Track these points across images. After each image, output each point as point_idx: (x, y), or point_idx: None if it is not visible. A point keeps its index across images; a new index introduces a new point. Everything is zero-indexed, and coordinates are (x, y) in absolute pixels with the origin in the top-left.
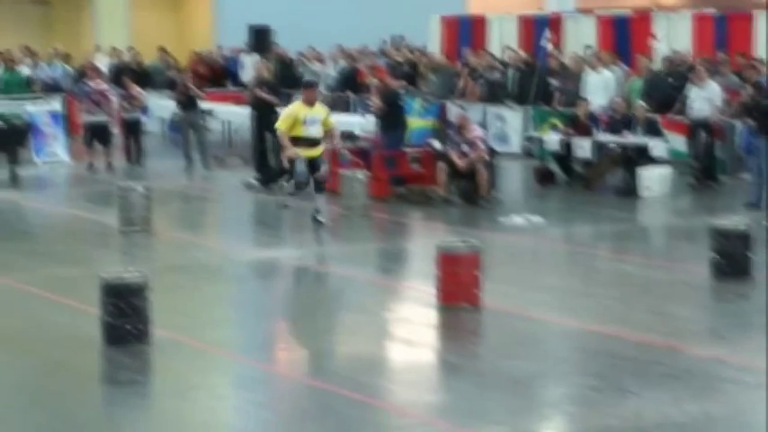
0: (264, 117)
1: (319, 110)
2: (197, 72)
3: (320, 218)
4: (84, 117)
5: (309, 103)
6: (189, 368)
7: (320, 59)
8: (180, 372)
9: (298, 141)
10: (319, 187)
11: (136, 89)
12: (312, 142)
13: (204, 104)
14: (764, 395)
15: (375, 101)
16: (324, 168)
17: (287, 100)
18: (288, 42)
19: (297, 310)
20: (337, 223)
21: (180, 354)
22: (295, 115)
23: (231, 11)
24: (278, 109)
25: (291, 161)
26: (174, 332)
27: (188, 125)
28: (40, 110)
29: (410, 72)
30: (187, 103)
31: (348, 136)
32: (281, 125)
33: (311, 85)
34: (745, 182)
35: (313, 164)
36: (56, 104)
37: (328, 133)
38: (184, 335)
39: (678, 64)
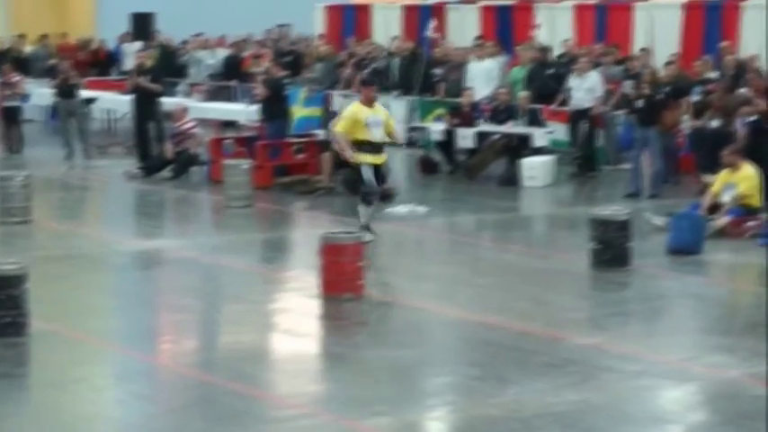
0: (146, 106)
1: (380, 110)
2: (77, 60)
3: (367, 237)
4: None
5: (369, 102)
6: (68, 360)
7: (204, 47)
8: (59, 364)
9: (361, 146)
10: (389, 200)
11: (15, 77)
12: (377, 147)
13: (86, 93)
14: (643, 383)
15: (259, 89)
16: (391, 179)
17: (170, 89)
18: (171, 30)
19: (179, 300)
20: (220, 213)
21: (59, 345)
22: (355, 117)
23: None
24: (160, 98)
25: (354, 170)
26: (54, 323)
27: (67, 113)
28: None
29: (294, 61)
30: (66, 91)
31: (232, 124)
32: (340, 128)
33: (370, 83)
34: (625, 172)
35: (378, 172)
36: None
37: (391, 136)
38: (64, 326)
39: (560, 54)
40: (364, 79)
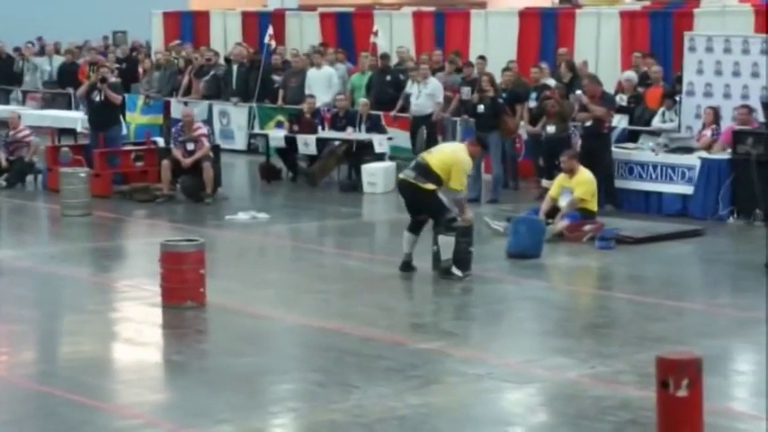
0: None
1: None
2: None
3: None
4: None
5: (474, 156)
6: None
7: (40, 54)
8: None
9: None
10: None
11: None
12: None
13: None
14: (485, 386)
15: (111, 95)
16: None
17: (4, 96)
18: (4, 36)
19: (15, 311)
20: (57, 222)
21: None
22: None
23: None
24: None
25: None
26: None
27: None
28: None
29: (131, 68)
30: None
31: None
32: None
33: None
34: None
35: None
36: None
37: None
38: None
39: (399, 61)
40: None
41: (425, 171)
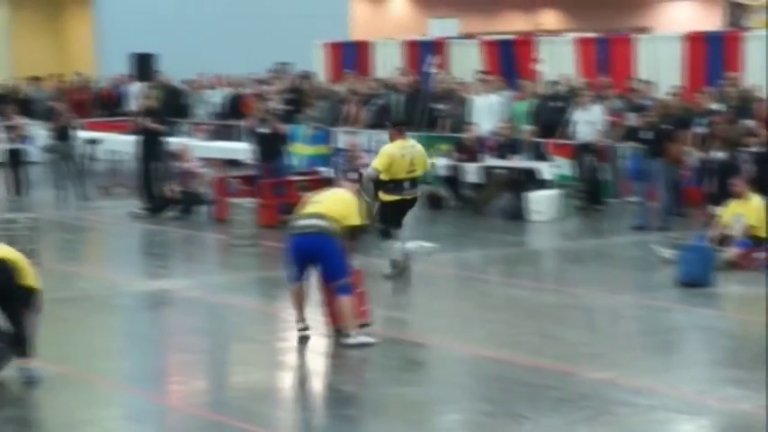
0: (150, 146)
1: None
2: (75, 100)
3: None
4: None
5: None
6: (79, 402)
7: (207, 87)
8: (69, 406)
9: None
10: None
11: (17, 119)
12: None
13: (89, 133)
14: (657, 417)
15: (280, 126)
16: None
17: (173, 128)
18: (171, 70)
19: (187, 340)
20: (226, 252)
21: (69, 387)
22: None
23: (113, 37)
24: (164, 138)
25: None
26: (63, 365)
27: (61, 155)
28: None
29: (296, 99)
30: (61, 132)
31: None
32: None
33: None
34: (631, 204)
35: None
36: None
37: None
38: (73, 368)
39: (562, 88)
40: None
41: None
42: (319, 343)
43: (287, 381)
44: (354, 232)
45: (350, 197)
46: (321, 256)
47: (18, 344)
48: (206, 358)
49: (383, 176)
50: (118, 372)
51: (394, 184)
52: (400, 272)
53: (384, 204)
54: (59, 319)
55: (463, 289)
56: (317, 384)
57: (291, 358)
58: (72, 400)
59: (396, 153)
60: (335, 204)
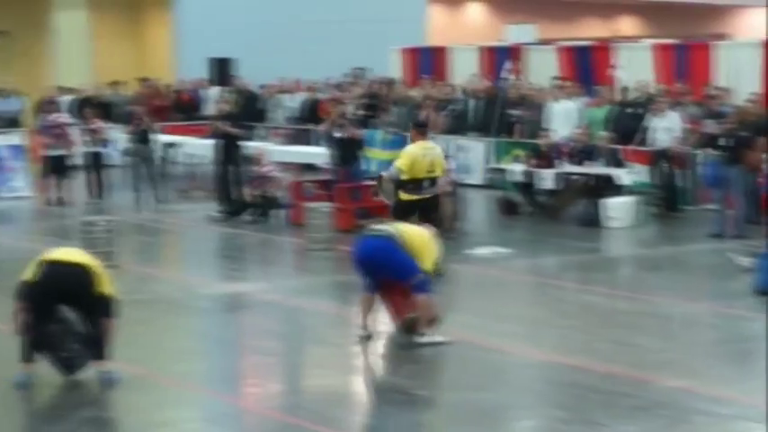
0: (228, 150)
1: None
2: (153, 105)
3: None
4: (45, 151)
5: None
6: (155, 403)
7: (284, 91)
8: (146, 407)
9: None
10: None
11: (97, 122)
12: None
13: (168, 137)
14: (736, 427)
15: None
16: None
17: (250, 133)
18: (248, 74)
19: (263, 343)
20: (302, 256)
21: (145, 389)
22: None
23: (191, 42)
24: (241, 142)
25: None
26: (140, 367)
27: (140, 159)
28: (1, 144)
29: (372, 104)
30: (140, 136)
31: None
32: None
33: None
34: (708, 211)
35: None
36: (17, 138)
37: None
38: (150, 369)
39: (639, 95)
40: None
41: None
42: (393, 346)
43: (361, 384)
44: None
45: (429, 238)
46: (389, 256)
47: (95, 346)
48: (281, 361)
49: (404, 176)
50: (194, 374)
51: (413, 184)
52: None
53: (403, 202)
54: (136, 321)
55: (537, 295)
56: (392, 388)
57: (366, 362)
58: (148, 402)
59: (418, 153)
60: (415, 236)
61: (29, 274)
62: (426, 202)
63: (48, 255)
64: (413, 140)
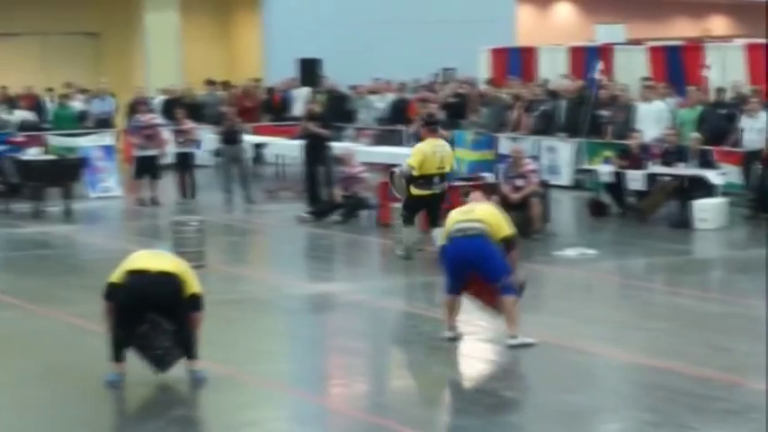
0: (316, 151)
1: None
2: (243, 106)
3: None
4: (136, 151)
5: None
6: (242, 403)
7: (373, 92)
8: (233, 407)
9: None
10: None
11: (188, 123)
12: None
13: (256, 138)
14: None
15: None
16: None
17: (338, 133)
18: (336, 75)
19: (349, 343)
20: (389, 257)
21: (233, 388)
22: None
23: (280, 43)
24: (329, 143)
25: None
26: (227, 366)
27: (230, 159)
28: (93, 144)
29: (460, 105)
30: (230, 136)
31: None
32: None
33: None
34: None
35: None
36: (109, 139)
37: None
38: (237, 369)
39: (730, 95)
40: None
41: None
42: (479, 348)
43: (448, 385)
44: (508, 244)
45: (495, 209)
46: (483, 256)
47: (184, 345)
48: (367, 362)
49: (415, 172)
50: (281, 374)
51: (424, 180)
52: (409, 256)
53: (414, 197)
54: (224, 320)
55: (625, 297)
56: (479, 389)
57: (452, 363)
58: (236, 401)
59: (428, 150)
60: (486, 214)
61: (116, 277)
62: (436, 197)
63: (134, 262)
64: (423, 138)
